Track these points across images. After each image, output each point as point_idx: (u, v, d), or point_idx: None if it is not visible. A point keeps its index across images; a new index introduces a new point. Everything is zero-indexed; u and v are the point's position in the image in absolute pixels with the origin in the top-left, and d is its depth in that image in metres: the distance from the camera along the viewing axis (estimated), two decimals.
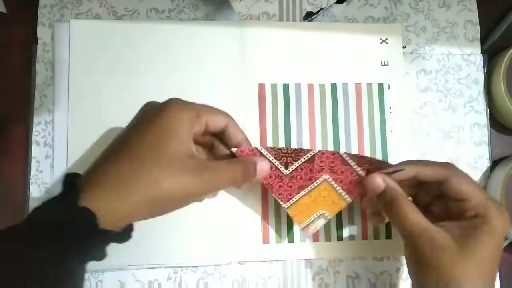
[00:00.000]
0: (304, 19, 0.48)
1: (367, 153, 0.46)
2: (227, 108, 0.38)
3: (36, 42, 0.46)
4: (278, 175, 0.40)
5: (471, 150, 0.47)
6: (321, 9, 0.47)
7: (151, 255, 0.43)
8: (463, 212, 0.36)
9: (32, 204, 0.44)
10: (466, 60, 0.48)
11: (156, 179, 0.31)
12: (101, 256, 0.32)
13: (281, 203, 0.40)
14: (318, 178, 0.40)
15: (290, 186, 0.40)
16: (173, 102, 0.34)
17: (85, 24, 0.45)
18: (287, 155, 0.40)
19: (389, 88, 0.47)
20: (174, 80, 0.45)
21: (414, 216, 0.35)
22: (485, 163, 0.47)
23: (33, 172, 0.45)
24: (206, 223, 0.44)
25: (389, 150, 0.46)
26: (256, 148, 0.39)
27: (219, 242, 0.44)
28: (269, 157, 0.39)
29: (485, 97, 0.48)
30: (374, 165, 0.39)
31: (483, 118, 0.48)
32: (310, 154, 0.40)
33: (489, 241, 0.34)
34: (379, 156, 0.46)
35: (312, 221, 0.41)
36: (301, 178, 0.40)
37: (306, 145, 0.46)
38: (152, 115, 0.34)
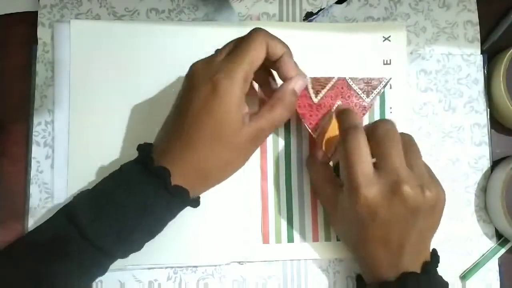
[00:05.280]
0: (304, 20, 0.48)
1: None
2: None
3: (36, 42, 0.46)
4: (309, 103, 0.42)
5: (471, 150, 0.47)
6: (321, 9, 0.47)
7: (151, 256, 0.43)
8: None
9: (32, 204, 0.44)
10: (466, 61, 0.48)
11: (227, 162, 0.37)
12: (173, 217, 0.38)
13: (311, 132, 0.42)
14: (334, 104, 0.42)
15: (317, 115, 0.42)
16: (221, 89, 0.35)
17: (85, 24, 0.45)
18: (320, 82, 0.42)
19: (390, 88, 0.47)
20: (174, 80, 0.45)
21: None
22: (485, 163, 0.47)
23: (33, 172, 0.45)
24: (206, 223, 0.44)
25: None
26: None
27: (219, 243, 0.44)
28: (309, 83, 0.42)
29: (485, 97, 0.48)
30: (370, 86, 0.44)
31: (483, 118, 0.48)
32: (333, 80, 0.43)
33: (345, 210, 0.38)
34: None
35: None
36: (324, 106, 0.42)
37: (305, 145, 0.46)
38: (202, 100, 0.35)
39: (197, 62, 0.37)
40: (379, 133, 0.37)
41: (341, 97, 0.43)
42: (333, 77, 0.43)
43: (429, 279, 0.37)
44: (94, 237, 0.34)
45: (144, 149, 0.37)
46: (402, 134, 0.38)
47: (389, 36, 0.47)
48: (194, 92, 0.36)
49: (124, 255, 0.37)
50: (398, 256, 0.36)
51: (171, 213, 0.38)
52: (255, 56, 0.36)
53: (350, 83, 0.43)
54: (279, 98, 0.38)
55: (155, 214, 0.36)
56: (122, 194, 0.35)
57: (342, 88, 0.43)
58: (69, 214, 0.36)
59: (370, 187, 0.35)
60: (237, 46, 0.36)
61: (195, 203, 0.39)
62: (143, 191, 0.35)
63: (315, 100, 0.42)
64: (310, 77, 0.42)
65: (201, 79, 0.36)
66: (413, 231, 0.36)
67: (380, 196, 0.35)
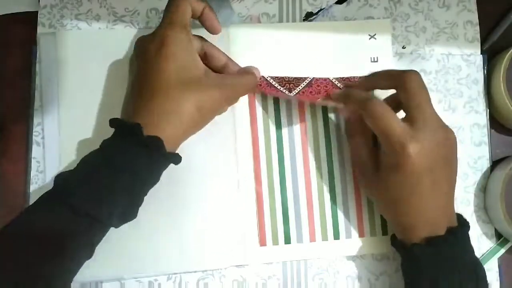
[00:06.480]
0: (304, 20, 0.48)
1: None
2: None
3: (36, 43, 0.46)
4: (285, 97, 0.44)
5: (471, 150, 0.47)
6: (321, 10, 0.47)
7: (148, 264, 0.43)
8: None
9: None
10: (466, 61, 0.48)
11: (194, 102, 0.37)
12: (157, 179, 0.38)
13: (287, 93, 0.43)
14: (318, 99, 0.44)
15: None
16: (168, 37, 0.38)
17: (71, 34, 0.45)
18: (289, 82, 0.44)
19: None
20: None
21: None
22: (485, 164, 0.47)
23: (33, 172, 0.45)
24: (201, 228, 0.44)
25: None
26: (263, 76, 0.44)
27: (216, 248, 0.44)
28: (275, 83, 0.44)
29: (485, 97, 0.48)
30: (360, 85, 0.44)
31: (483, 118, 0.48)
32: (308, 79, 0.45)
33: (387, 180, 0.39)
34: None
35: None
36: (306, 98, 0.44)
37: (298, 144, 0.46)
38: (154, 54, 0.38)
39: (139, 37, 0.41)
40: (413, 85, 0.38)
41: (326, 93, 0.44)
42: (307, 77, 0.45)
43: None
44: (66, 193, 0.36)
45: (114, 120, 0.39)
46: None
47: (375, 34, 0.47)
48: (146, 52, 0.39)
49: (111, 217, 0.36)
50: (448, 207, 0.39)
51: (150, 168, 0.37)
52: (183, 7, 0.39)
53: (336, 83, 0.45)
54: (245, 70, 0.43)
55: (130, 169, 0.36)
56: (98, 157, 0.37)
57: (327, 86, 0.44)
58: (55, 190, 0.37)
59: (415, 141, 0.36)
60: (165, 10, 0.40)
61: (175, 158, 0.38)
62: (114, 146, 0.37)
63: (291, 94, 0.43)
64: (270, 76, 0.44)
65: (148, 41, 0.39)
66: (454, 175, 0.39)
67: (428, 145, 0.36)
